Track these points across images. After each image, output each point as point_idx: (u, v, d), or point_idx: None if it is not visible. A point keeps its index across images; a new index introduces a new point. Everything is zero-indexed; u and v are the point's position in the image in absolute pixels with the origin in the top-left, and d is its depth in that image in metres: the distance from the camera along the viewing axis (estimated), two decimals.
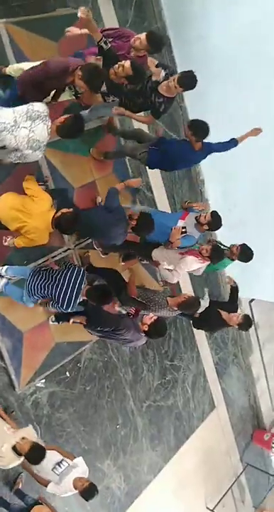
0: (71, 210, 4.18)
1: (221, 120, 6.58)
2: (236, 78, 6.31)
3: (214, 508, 7.96)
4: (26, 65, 4.35)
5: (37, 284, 4.53)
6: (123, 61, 4.19)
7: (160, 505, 7.00)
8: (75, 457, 4.83)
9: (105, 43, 4.26)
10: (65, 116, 3.96)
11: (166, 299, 5.13)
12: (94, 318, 4.90)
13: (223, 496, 8.20)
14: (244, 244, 5.44)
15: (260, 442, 9.10)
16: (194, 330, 7.48)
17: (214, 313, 5.53)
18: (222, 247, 5.57)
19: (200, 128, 4.85)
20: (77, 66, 3.93)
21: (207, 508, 7.99)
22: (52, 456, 4.52)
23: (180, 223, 5.12)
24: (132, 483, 6.58)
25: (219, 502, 8.08)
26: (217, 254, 5.14)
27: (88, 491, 4.42)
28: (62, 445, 5.63)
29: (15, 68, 4.46)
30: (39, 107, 3.84)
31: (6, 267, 4.83)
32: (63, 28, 4.89)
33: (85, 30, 4.65)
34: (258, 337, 8.91)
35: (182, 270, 5.18)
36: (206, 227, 5.11)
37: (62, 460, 4.58)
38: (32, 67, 4.10)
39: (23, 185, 4.25)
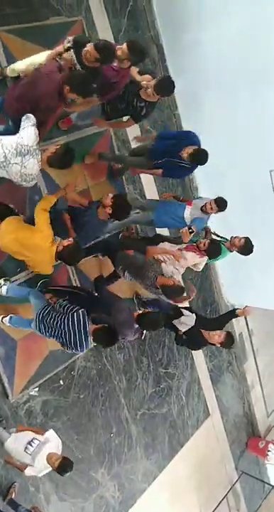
0: (71, 241, 4.18)
1: (214, 127, 6.65)
2: (229, 86, 6.35)
3: None
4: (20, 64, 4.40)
5: (46, 327, 4.57)
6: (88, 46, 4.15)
7: None
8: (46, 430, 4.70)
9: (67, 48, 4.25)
10: (56, 146, 4.00)
11: (156, 276, 5.09)
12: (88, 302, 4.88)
13: (219, 504, 8.15)
14: (247, 237, 5.46)
15: (255, 450, 9.06)
16: None
17: (195, 333, 5.49)
18: (218, 238, 5.74)
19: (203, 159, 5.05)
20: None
21: None
22: (23, 438, 4.45)
23: (188, 210, 5.32)
24: (126, 492, 6.53)
25: (214, 510, 8.03)
26: (214, 248, 5.28)
27: (62, 467, 4.29)
28: None
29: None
30: (28, 141, 3.78)
31: (5, 288, 4.90)
32: (56, 36, 4.91)
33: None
34: (252, 344, 8.91)
35: (183, 267, 5.28)
36: (212, 212, 5.33)
37: (33, 439, 4.44)
38: None
39: (38, 206, 4.27)
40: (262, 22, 5.81)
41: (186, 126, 7.15)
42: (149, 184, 6.75)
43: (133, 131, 6.41)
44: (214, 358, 8.15)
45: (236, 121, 6.52)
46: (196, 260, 5.41)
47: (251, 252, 5.47)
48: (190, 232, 5.13)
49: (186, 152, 4.97)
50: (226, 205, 5.30)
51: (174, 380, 7.31)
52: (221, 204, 5.27)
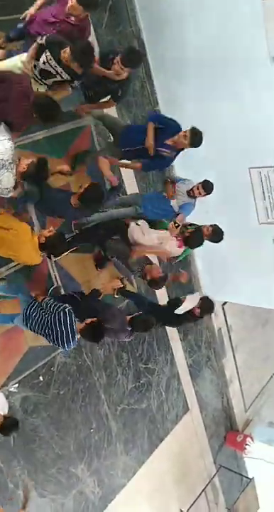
0: (52, 231, 4.22)
1: (194, 124, 6.67)
2: (209, 83, 6.39)
3: (187, 510, 7.98)
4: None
5: (33, 323, 4.58)
6: (65, 49, 4.14)
7: (134, 508, 6.98)
8: None
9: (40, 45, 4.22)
10: (27, 162, 3.99)
11: (144, 265, 5.28)
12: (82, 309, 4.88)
13: (197, 498, 8.24)
14: (215, 224, 5.45)
15: (233, 444, 9.17)
16: (169, 332, 7.52)
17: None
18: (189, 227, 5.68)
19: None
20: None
21: (181, 510, 8.00)
22: None
23: (173, 203, 5.34)
24: (106, 488, 6.55)
25: (193, 504, 8.11)
26: (198, 237, 5.22)
27: (5, 427, 4.22)
28: (36, 450, 5.58)
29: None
30: (2, 155, 3.73)
31: None
32: None
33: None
34: (230, 340, 9.01)
35: (159, 246, 5.34)
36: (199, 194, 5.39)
37: None
38: None
39: None
40: (241, 14, 5.85)
41: None
42: (130, 180, 6.73)
43: None
44: (193, 353, 8.21)
45: (215, 119, 6.55)
46: (173, 249, 5.41)
47: (221, 239, 5.43)
48: (176, 226, 5.15)
49: (183, 135, 4.93)
50: (213, 188, 5.37)
51: (154, 375, 7.34)
52: (207, 187, 5.34)
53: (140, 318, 4.87)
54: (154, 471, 7.36)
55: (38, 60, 4.29)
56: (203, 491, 8.41)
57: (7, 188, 3.86)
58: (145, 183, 6.97)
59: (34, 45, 4.25)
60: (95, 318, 4.36)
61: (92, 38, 5.58)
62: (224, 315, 8.75)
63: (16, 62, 4.37)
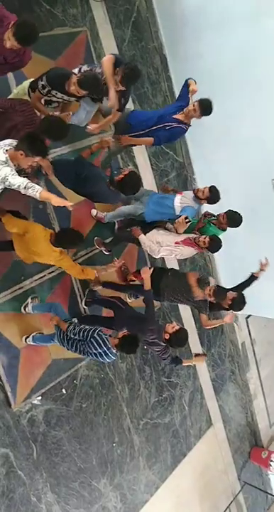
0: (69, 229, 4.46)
1: (216, 137, 6.69)
2: (231, 96, 6.38)
3: None
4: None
5: (68, 342, 4.80)
6: (72, 82, 4.25)
7: None
8: None
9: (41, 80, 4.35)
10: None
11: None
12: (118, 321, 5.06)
13: None
14: (229, 210, 5.44)
15: (258, 460, 9.00)
16: (192, 346, 7.45)
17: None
18: (209, 218, 5.70)
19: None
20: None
21: None
22: None
23: (177, 198, 5.26)
24: (128, 503, 6.48)
25: None
26: (216, 244, 5.22)
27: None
28: (58, 463, 5.58)
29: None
30: None
31: (31, 305, 5.18)
32: (61, 46, 4.95)
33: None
34: (254, 353, 8.88)
35: (175, 256, 5.39)
36: (204, 201, 5.29)
37: None
38: None
39: (7, 229, 4.38)
40: (261, 34, 5.87)
41: (188, 136, 7.18)
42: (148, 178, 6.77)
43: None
44: (216, 367, 8.12)
45: (237, 131, 6.55)
46: (193, 253, 5.45)
47: (240, 223, 5.42)
48: (186, 222, 5.13)
49: (192, 107, 4.99)
50: (219, 196, 5.25)
51: (177, 389, 7.28)
52: (214, 191, 5.22)
53: (180, 333, 4.85)
54: (177, 486, 7.26)
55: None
56: (227, 508, 8.25)
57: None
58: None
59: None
60: (126, 332, 4.58)
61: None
62: (248, 328, 8.64)
63: (24, 86, 4.47)
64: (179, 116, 5.13)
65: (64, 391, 5.65)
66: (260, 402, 9.19)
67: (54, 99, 4.48)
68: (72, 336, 4.70)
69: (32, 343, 5.17)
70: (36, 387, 5.34)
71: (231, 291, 5.50)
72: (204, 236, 5.23)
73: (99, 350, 4.54)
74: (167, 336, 4.80)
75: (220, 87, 6.45)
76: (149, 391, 6.76)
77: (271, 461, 8.87)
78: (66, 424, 5.66)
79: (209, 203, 5.33)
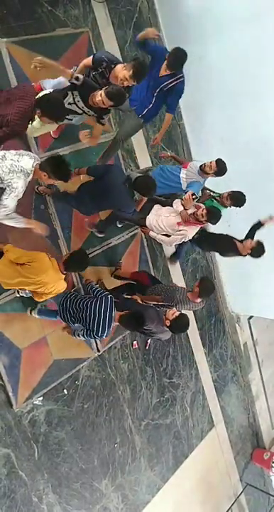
0: (76, 250, 4.44)
1: (218, 137, 6.68)
2: (232, 98, 6.39)
3: None
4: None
5: (68, 310, 4.75)
6: (98, 94, 4.27)
7: None
8: None
9: (76, 79, 4.29)
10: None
11: (187, 296, 5.25)
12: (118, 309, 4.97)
13: None
14: (232, 191, 5.49)
15: (260, 461, 8.98)
16: (193, 346, 7.45)
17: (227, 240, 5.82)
18: (214, 194, 5.76)
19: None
20: (33, 104, 3.91)
21: None
22: None
23: (183, 173, 5.28)
24: (130, 504, 6.47)
25: None
26: (214, 215, 5.18)
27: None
28: (60, 464, 5.57)
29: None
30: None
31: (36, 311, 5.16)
32: (63, 47, 4.95)
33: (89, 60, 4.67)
34: (256, 354, 8.87)
35: (180, 240, 5.37)
36: (212, 175, 5.27)
37: None
38: None
39: (9, 258, 4.26)
40: (263, 36, 5.87)
41: (190, 136, 7.19)
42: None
43: (138, 141, 6.48)
44: (218, 368, 8.11)
45: (239, 132, 6.55)
46: (196, 231, 5.41)
47: (244, 201, 5.50)
48: (194, 199, 5.13)
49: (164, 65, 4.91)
50: (226, 168, 5.21)
51: (179, 390, 7.27)
52: (221, 165, 5.18)
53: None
54: (178, 487, 7.25)
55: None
56: (229, 509, 8.24)
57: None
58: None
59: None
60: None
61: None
62: (250, 329, 8.63)
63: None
64: (164, 72, 5.02)
65: (65, 391, 5.65)
66: (262, 403, 9.18)
67: (73, 107, 4.50)
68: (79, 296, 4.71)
69: (37, 316, 5.17)
70: (38, 387, 5.34)
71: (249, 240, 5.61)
72: (201, 208, 5.17)
73: (102, 313, 4.48)
74: (167, 323, 4.82)
75: (221, 89, 6.47)
76: (151, 392, 6.75)
77: (273, 462, 8.85)
78: (67, 425, 5.66)
79: (216, 175, 5.30)
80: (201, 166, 5.28)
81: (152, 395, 6.80)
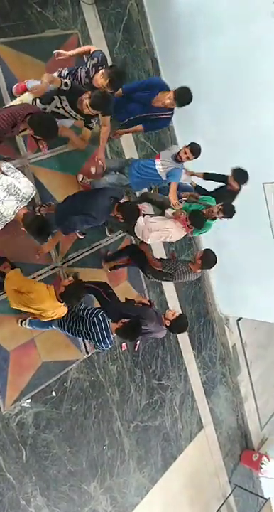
0: (71, 280, 4.38)
1: (208, 140, 6.68)
2: (222, 99, 6.42)
3: None
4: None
5: (67, 326, 4.77)
6: (84, 102, 4.31)
7: None
8: None
9: (65, 84, 4.32)
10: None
11: (189, 266, 5.32)
12: (116, 309, 5.01)
13: None
14: (223, 204, 5.36)
15: (249, 463, 9.01)
16: (182, 348, 7.46)
17: None
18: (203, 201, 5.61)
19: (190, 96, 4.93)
20: (25, 115, 3.89)
21: None
22: None
23: (158, 164, 5.15)
24: (119, 506, 6.46)
25: None
26: (196, 218, 5.13)
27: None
28: (48, 466, 5.55)
29: None
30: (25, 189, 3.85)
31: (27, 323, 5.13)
32: (52, 48, 4.94)
33: (74, 52, 4.76)
34: (245, 356, 8.91)
35: (164, 239, 5.31)
36: (187, 159, 5.12)
37: None
38: None
39: (8, 288, 4.32)
40: (253, 37, 5.90)
41: (180, 139, 7.21)
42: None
43: (127, 142, 6.48)
44: (207, 369, 8.13)
45: (229, 134, 6.57)
46: (182, 235, 5.35)
47: (233, 213, 5.39)
48: (181, 202, 5.17)
49: (167, 98, 4.90)
50: (200, 150, 5.08)
51: (168, 392, 7.27)
52: (195, 150, 5.05)
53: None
54: (167, 489, 7.25)
55: (49, 104, 4.42)
56: (218, 510, 8.25)
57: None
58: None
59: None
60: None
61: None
62: (239, 331, 8.66)
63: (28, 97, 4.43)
64: (159, 104, 5.02)
65: (54, 394, 5.62)
66: (251, 405, 9.22)
67: (61, 111, 4.51)
68: (76, 313, 4.71)
69: (28, 327, 5.14)
70: (26, 389, 5.31)
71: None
72: (183, 215, 5.12)
73: (98, 332, 4.53)
74: (167, 323, 4.92)
75: (211, 91, 6.49)
76: (140, 394, 6.75)
77: (262, 463, 8.89)
78: (56, 427, 5.63)
79: (194, 158, 5.15)
80: (174, 155, 5.13)
81: (142, 396, 6.79)
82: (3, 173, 3.87)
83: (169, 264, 5.42)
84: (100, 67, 4.53)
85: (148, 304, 5.41)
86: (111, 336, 4.64)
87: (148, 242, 5.32)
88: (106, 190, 4.83)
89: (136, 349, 6.67)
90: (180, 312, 5.05)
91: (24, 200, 3.86)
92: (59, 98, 4.40)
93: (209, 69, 6.44)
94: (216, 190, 5.96)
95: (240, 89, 6.22)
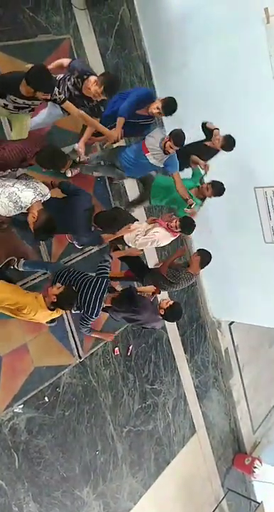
0: (60, 287, 4.34)
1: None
2: (214, 105, 6.45)
3: None
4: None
5: (66, 280, 4.74)
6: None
7: None
8: None
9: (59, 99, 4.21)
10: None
11: (188, 271, 5.36)
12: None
13: None
14: (213, 181, 5.48)
15: (241, 467, 9.02)
16: (175, 352, 7.47)
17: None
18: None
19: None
20: (34, 152, 3.92)
21: None
22: None
23: (150, 157, 5.05)
24: (112, 511, 6.44)
25: None
26: (186, 223, 5.13)
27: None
28: (40, 472, 5.52)
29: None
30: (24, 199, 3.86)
31: (22, 261, 5.07)
32: (44, 53, 4.96)
33: (51, 67, 4.64)
34: (237, 359, 8.93)
35: (151, 244, 5.26)
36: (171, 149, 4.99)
37: None
38: None
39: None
40: (244, 43, 5.96)
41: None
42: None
43: None
44: (200, 373, 8.14)
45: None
46: (170, 239, 5.31)
47: (223, 191, 5.47)
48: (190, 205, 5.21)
49: (155, 107, 4.90)
50: (184, 138, 4.97)
51: (161, 396, 7.27)
52: (177, 139, 4.90)
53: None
54: (161, 494, 7.24)
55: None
56: None
57: None
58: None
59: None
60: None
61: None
62: (231, 334, 8.69)
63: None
64: (143, 111, 5.02)
65: (46, 399, 5.60)
66: (243, 409, 9.23)
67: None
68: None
69: (21, 269, 5.09)
70: (18, 395, 5.28)
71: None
72: (174, 220, 5.13)
73: (94, 296, 4.52)
74: (162, 312, 4.94)
75: (203, 97, 6.53)
76: (132, 398, 6.74)
77: (254, 467, 8.90)
78: (48, 433, 5.60)
79: (177, 145, 5.01)
80: (160, 145, 5.00)
81: (134, 401, 6.78)
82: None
83: (173, 272, 5.40)
84: (85, 76, 4.50)
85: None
86: (101, 306, 4.63)
87: (137, 247, 5.30)
88: (77, 205, 4.63)
89: (129, 354, 6.67)
90: (174, 300, 5.06)
91: (25, 207, 3.87)
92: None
93: (201, 74, 6.47)
94: (194, 142, 5.87)
95: (231, 94, 6.27)
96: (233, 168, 6.63)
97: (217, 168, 5.89)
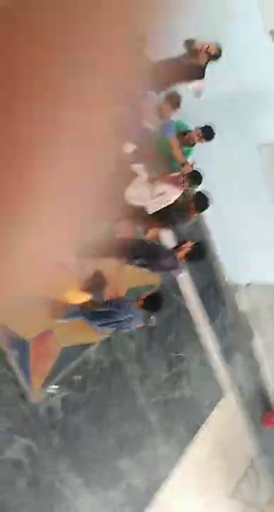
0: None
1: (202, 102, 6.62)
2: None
3: (232, 494, 8.02)
4: None
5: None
6: None
7: (180, 495, 7.05)
8: None
9: None
10: None
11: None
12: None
13: (239, 481, 8.26)
14: (203, 126, 5.30)
15: (270, 424, 9.16)
16: (195, 319, 7.54)
17: None
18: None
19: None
20: None
21: (225, 494, 8.04)
22: None
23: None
24: (150, 479, 6.60)
25: (235, 487, 8.13)
26: (196, 178, 5.10)
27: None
28: (78, 449, 5.65)
29: None
30: None
31: None
32: None
33: None
34: (256, 320, 8.99)
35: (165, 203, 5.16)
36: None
37: None
38: None
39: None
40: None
41: None
42: None
43: None
44: (221, 337, 8.21)
45: (223, 95, 6.49)
46: (178, 194, 5.17)
47: (212, 136, 5.36)
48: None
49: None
50: (180, 100, 4.94)
51: (185, 363, 7.37)
52: (174, 99, 4.90)
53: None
54: (195, 458, 7.39)
55: None
56: (245, 474, 8.42)
57: None
58: None
59: None
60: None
61: None
62: (247, 296, 8.73)
63: None
64: None
65: (77, 377, 5.70)
66: (267, 368, 9.33)
67: None
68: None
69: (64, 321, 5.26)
70: (49, 376, 5.38)
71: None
72: (180, 176, 5.04)
73: (126, 317, 4.74)
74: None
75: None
76: (159, 367, 6.84)
77: None
78: (83, 409, 5.72)
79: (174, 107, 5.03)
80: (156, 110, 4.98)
81: (161, 370, 6.89)
82: None
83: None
84: None
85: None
86: (137, 314, 4.82)
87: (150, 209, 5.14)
88: None
89: (151, 324, 6.72)
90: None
91: None
92: None
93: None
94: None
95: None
96: (236, 127, 6.58)
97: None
